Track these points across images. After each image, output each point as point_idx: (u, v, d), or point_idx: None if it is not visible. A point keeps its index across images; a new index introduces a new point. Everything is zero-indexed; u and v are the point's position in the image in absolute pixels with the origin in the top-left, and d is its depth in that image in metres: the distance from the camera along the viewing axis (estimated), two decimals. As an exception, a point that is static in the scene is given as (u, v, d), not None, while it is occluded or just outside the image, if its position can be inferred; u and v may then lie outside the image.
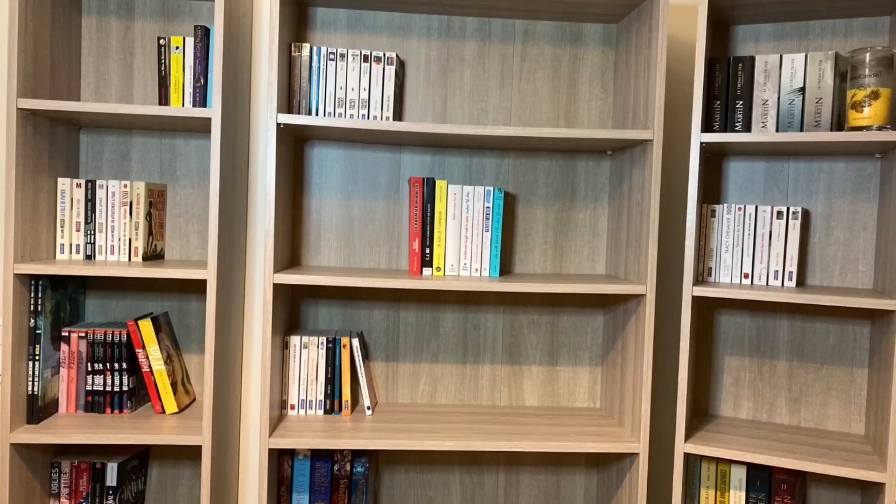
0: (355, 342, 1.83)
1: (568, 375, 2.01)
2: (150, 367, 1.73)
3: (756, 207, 1.76)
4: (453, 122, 1.95)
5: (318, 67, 1.74)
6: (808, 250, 1.86)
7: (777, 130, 1.71)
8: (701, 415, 1.92)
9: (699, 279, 1.80)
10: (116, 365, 1.75)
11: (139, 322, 1.72)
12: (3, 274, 1.57)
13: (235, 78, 1.75)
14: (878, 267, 1.76)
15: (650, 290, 1.67)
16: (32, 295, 1.63)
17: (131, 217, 1.74)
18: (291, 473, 1.82)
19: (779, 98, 1.71)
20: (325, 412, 1.84)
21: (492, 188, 1.77)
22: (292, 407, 1.83)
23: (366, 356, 1.97)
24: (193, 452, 1.94)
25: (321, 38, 1.91)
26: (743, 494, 1.78)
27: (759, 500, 1.77)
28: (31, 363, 1.63)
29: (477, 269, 1.78)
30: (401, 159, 1.94)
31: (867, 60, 1.57)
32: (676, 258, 2.04)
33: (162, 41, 1.72)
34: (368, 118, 1.76)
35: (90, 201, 1.73)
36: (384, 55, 1.76)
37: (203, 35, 1.70)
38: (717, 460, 1.81)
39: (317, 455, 1.83)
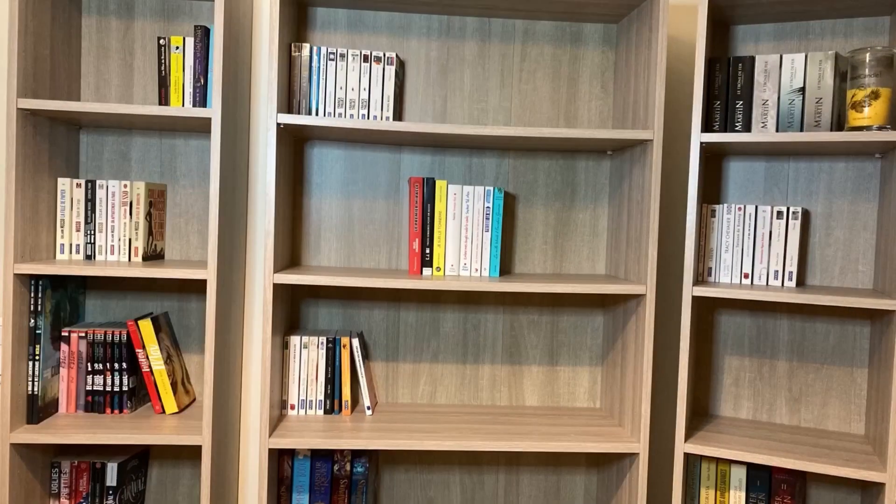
0: (355, 342, 1.83)
1: (568, 375, 2.01)
2: (150, 367, 1.73)
3: (756, 207, 1.76)
4: (453, 122, 1.95)
5: (318, 67, 1.74)
6: (807, 250, 1.86)
7: (777, 130, 1.71)
8: (701, 415, 1.92)
9: (699, 279, 1.80)
10: (116, 365, 1.75)
11: (139, 322, 1.72)
12: (3, 274, 1.57)
13: (235, 78, 1.75)
14: (878, 267, 1.76)
15: (650, 290, 1.67)
16: (32, 295, 1.63)
17: (131, 217, 1.74)
18: (291, 473, 1.82)
19: (779, 98, 1.71)
20: (325, 412, 1.84)
21: (492, 188, 1.77)
22: (292, 407, 1.83)
23: (366, 356, 1.97)
24: (193, 452, 1.94)
25: (321, 38, 1.91)
26: (743, 494, 1.78)
27: (759, 500, 1.77)
28: (31, 363, 1.63)
29: (477, 269, 1.78)
30: (401, 159, 1.94)
31: (867, 60, 1.57)
32: (676, 258, 2.04)
33: (162, 41, 1.72)
34: (368, 118, 1.76)
35: (90, 201, 1.73)
36: (384, 55, 1.76)
37: (203, 35, 1.70)
38: (717, 460, 1.81)
39: (317, 455, 1.83)
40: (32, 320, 1.63)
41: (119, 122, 1.75)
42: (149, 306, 1.91)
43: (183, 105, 1.72)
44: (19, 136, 1.57)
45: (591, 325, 2.01)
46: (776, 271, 1.75)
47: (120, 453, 1.81)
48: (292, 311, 1.95)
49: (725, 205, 1.78)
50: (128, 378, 1.75)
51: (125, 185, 1.74)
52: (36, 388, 1.64)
